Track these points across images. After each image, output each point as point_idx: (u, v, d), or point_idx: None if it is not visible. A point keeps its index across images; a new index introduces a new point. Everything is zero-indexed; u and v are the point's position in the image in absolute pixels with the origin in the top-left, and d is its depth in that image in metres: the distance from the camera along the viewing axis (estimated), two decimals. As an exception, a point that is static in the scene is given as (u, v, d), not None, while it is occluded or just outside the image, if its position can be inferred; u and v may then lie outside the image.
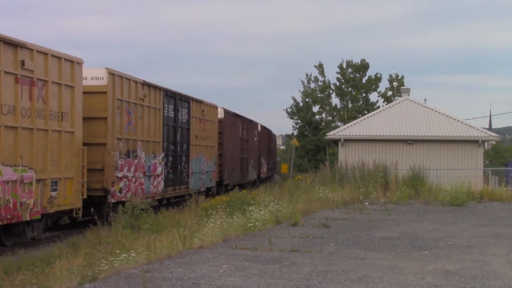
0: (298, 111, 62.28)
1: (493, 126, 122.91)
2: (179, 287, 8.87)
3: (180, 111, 25.40)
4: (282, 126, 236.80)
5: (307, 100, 62.35)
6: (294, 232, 15.04)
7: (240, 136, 37.11)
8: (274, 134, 61.52)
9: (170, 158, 24.26)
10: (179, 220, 17.04)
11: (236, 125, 35.88)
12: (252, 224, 15.60)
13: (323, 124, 60.92)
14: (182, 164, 25.66)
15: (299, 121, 62.73)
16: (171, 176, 24.28)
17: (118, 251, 11.88)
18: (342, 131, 36.16)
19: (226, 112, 33.35)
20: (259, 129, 45.79)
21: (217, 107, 31.33)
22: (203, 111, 28.39)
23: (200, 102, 28.14)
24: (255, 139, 43.18)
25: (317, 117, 62.46)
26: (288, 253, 11.98)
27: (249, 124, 40.36)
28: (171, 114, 24.46)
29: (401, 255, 12.06)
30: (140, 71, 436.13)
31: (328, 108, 61.94)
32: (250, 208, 17.88)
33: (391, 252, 12.48)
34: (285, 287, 9.01)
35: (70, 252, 12.84)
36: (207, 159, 29.05)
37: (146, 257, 11.10)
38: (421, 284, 9.34)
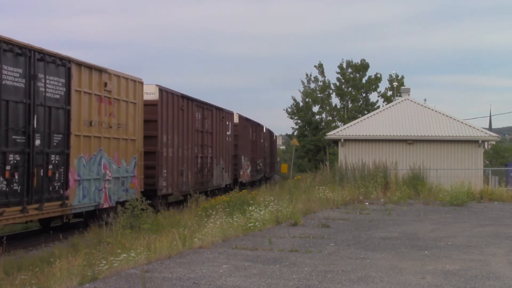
0: (298, 111, 62.33)
1: (493, 126, 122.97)
2: (179, 287, 8.87)
3: (43, 80, 15.94)
4: (282, 126, 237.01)
5: (307, 100, 62.42)
6: (294, 232, 15.05)
7: (198, 128, 27.90)
8: (269, 130, 54.50)
9: (14, 158, 14.74)
10: (179, 220, 17.02)
11: (188, 112, 26.47)
12: (252, 224, 15.61)
13: (323, 124, 60.99)
14: (50, 167, 16.20)
15: (299, 121, 62.81)
16: (14, 188, 14.72)
17: (118, 251, 11.88)
18: (342, 131, 36.20)
19: (164, 92, 23.67)
20: (236, 120, 36.70)
21: (141, 83, 21.58)
22: (105, 84, 18.92)
23: (99, 70, 18.71)
24: (229, 132, 34.07)
25: (317, 117, 62.54)
26: (288, 253, 11.98)
27: (216, 112, 30.99)
28: (18, 84, 15.00)
29: (401, 255, 12.06)
30: (140, 71, 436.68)
31: (328, 108, 62.00)
32: (250, 208, 17.89)
33: (391, 252, 12.48)
34: (285, 287, 9.01)
35: (70, 252, 12.84)
36: (117, 159, 19.71)
37: (146, 257, 11.11)
38: (421, 284, 9.35)
